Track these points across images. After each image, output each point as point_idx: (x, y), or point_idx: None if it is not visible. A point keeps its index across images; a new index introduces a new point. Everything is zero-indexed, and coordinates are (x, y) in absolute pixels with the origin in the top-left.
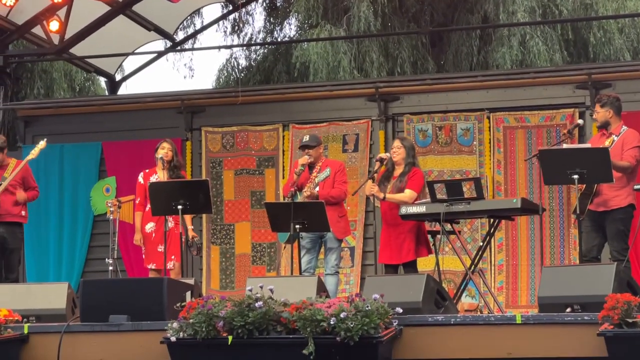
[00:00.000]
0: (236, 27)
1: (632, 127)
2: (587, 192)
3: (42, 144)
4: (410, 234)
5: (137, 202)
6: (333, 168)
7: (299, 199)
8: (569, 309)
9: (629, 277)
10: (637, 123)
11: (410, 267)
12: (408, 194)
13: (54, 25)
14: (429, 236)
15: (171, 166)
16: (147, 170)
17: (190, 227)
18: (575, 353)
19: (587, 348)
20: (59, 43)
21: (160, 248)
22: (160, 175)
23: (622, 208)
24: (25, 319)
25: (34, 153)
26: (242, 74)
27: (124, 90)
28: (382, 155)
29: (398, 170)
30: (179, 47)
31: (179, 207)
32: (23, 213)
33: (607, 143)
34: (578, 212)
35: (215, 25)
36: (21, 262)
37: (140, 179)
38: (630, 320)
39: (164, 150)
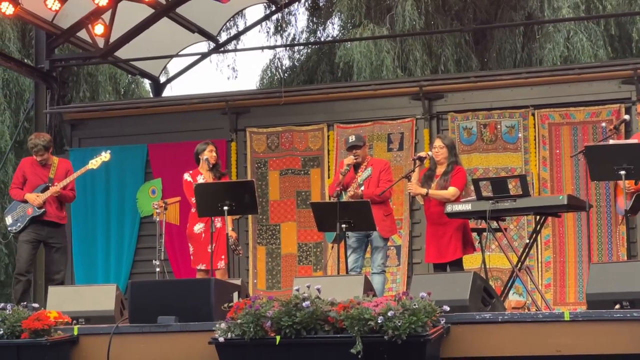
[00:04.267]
0: (279, 28)
1: None
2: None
3: (105, 155)
4: (456, 232)
5: (194, 200)
6: (377, 167)
7: (344, 198)
8: (617, 306)
9: None
10: None
11: (457, 265)
12: (451, 191)
13: (99, 29)
14: (475, 234)
15: (215, 167)
16: (191, 172)
17: (230, 227)
18: (625, 350)
19: (636, 344)
20: (104, 46)
21: (210, 248)
22: (205, 176)
23: None
24: (74, 321)
25: (94, 164)
26: (285, 75)
27: (168, 92)
28: (421, 154)
29: (441, 169)
30: (222, 49)
31: (225, 208)
32: (64, 214)
33: None
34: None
35: (258, 26)
36: (67, 264)
37: (189, 178)
38: None
39: (211, 153)
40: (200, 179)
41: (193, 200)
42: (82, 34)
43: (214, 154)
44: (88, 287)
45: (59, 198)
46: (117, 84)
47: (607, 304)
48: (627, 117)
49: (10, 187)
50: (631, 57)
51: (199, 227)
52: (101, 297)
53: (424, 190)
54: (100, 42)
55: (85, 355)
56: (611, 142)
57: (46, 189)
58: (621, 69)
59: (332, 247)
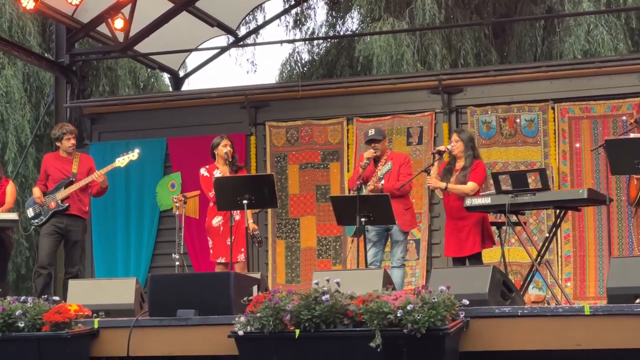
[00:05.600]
0: (298, 22)
1: None
2: None
3: (133, 154)
4: (475, 226)
5: (211, 195)
6: (397, 161)
7: (364, 192)
8: (638, 300)
9: None
10: None
11: (476, 259)
12: (470, 186)
13: (118, 23)
14: (494, 228)
15: (232, 161)
16: (207, 166)
17: (250, 220)
18: None
19: None
20: (124, 40)
21: (229, 241)
22: (222, 170)
23: None
24: (94, 314)
25: (122, 162)
26: (305, 68)
27: (187, 86)
28: (440, 147)
29: (460, 164)
30: (241, 43)
31: (245, 201)
32: (87, 208)
33: None
34: (635, 202)
35: (277, 20)
36: (84, 257)
37: (206, 173)
38: None
39: (225, 148)
40: (217, 174)
41: (210, 194)
42: (102, 28)
43: (229, 148)
44: (108, 280)
45: (97, 194)
46: (136, 78)
47: (628, 298)
48: None
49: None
50: None
51: (217, 221)
52: (121, 290)
53: (443, 184)
54: (120, 36)
55: (106, 348)
56: (632, 135)
57: (70, 183)
58: None
59: (352, 240)
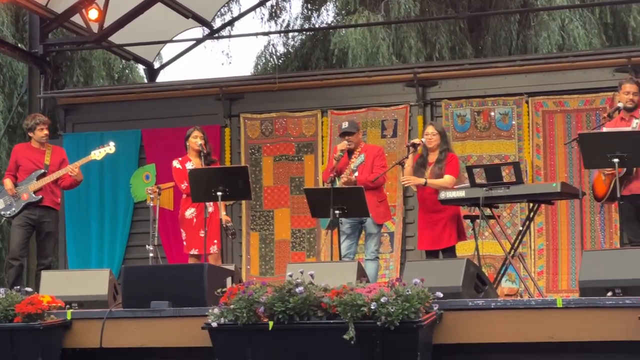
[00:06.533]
0: (273, 14)
1: None
2: (621, 177)
3: (110, 147)
4: (450, 219)
5: (183, 187)
6: (371, 153)
7: (338, 184)
8: (610, 293)
9: None
10: None
11: (450, 252)
12: (448, 179)
13: (93, 14)
14: (468, 221)
15: (205, 153)
16: (180, 158)
17: (223, 212)
18: (617, 337)
19: (628, 332)
20: (98, 31)
21: (202, 233)
22: (195, 162)
23: None
24: (67, 305)
25: (98, 155)
26: (280, 61)
27: (162, 77)
28: (415, 140)
29: (433, 157)
30: (216, 35)
31: (219, 193)
32: (59, 200)
33: (634, 125)
34: (604, 198)
35: (253, 12)
36: (57, 249)
37: (179, 165)
38: None
39: (196, 139)
40: (190, 166)
41: (182, 186)
42: (76, 18)
43: (201, 140)
44: (81, 271)
45: (68, 187)
46: (111, 69)
47: (600, 291)
48: (620, 104)
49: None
50: (625, 46)
51: (190, 212)
52: (94, 281)
53: (422, 180)
54: (94, 27)
55: (79, 340)
56: (604, 129)
57: (43, 175)
58: (615, 57)
59: (327, 233)
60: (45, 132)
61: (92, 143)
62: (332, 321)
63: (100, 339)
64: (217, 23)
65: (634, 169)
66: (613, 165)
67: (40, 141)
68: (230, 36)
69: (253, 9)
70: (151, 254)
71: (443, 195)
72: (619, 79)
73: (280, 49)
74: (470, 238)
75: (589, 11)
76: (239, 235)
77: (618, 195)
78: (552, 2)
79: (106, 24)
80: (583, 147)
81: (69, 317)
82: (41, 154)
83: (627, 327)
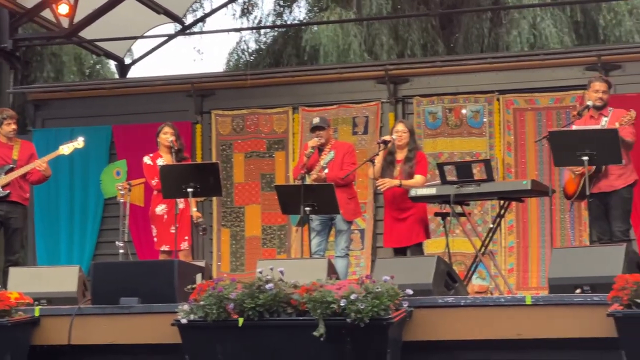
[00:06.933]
0: (245, 10)
1: None
2: (591, 174)
3: (79, 142)
4: (417, 216)
5: (154, 183)
6: (341, 150)
7: (308, 181)
8: (578, 290)
9: (638, 258)
10: None
11: (418, 249)
12: (421, 179)
13: (63, 9)
14: (439, 218)
15: (176, 150)
16: (151, 155)
17: (194, 208)
18: (585, 334)
19: (596, 329)
20: (69, 26)
21: (173, 229)
22: (166, 159)
23: (628, 186)
24: (36, 302)
25: (66, 150)
26: (252, 57)
27: (133, 73)
28: (385, 137)
29: (402, 154)
30: (188, 31)
31: (190, 190)
32: (27, 195)
33: (603, 124)
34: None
35: (225, 9)
36: (25, 245)
37: (149, 161)
38: (639, 301)
39: (166, 136)
40: (161, 162)
41: (153, 182)
42: (47, 13)
43: (171, 136)
44: (50, 268)
45: (37, 182)
46: (81, 64)
47: (569, 289)
48: (590, 103)
49: None
50: (596, 44)
51: (160, 209)
52: (63, 278)
53: (397, 182)
54: (65, 22)
55: (47, 337)
56: (574, 127)
57: (10, 170)
58: (585, 55)
59: (297, 230)
60: (13, 126)
61: (62, 139)
62: (302, 318)
63: (69, 335)
64: (189, 19)
65: (603, 167)
66: (582, 163)
67: (8, 136)
68: (202, 32)
69: (225, 5)
70: (121, 251)
71: (414, 192)
72: (588, 77)
73: (252, 46)
74: (440, 235)
75: (560, 9)
76: (209, 231)
77: (587, 193)
78: (523, 0)
79: (77, 19)
80: (553, 145)
81: (37, 313)
82: (9, 149)
83: (595, 324)
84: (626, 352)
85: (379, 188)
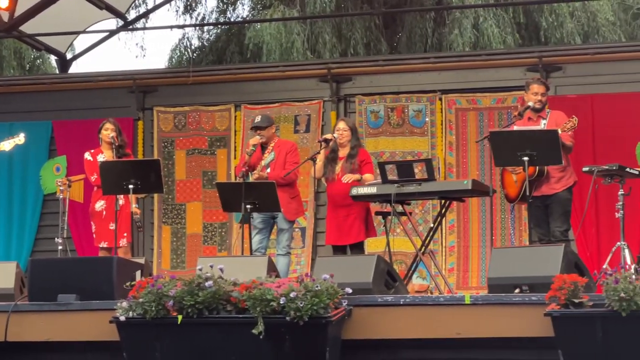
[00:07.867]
0: (188, 7)
1: (582, 109)
2: (533, 179)
3: (20, 138)
4: (360, 215)
5: (93, 179)
6: (283, 149)
7: (251, 179)
8: (517, 290)
9: (576, 258)
10: (585, 105)
11: (358, 248)
12: (370, 177)
13: (3, 2)
14: (380, 217)
15: (117, 146)
16: (92, 151)
17: (134, 205)
18: (523, 333)
19: (534, 328)
20: (9, 20)
21: (112, 226)
22: (107, 155)
23: (568, 188)
24: None
25: (7, 146)
26: (194, 54)
27: (74, 69)
28: (327, 136)
29: (344, 152)
30: (131, 27)
31: (130, 186)
32: None
33: (542, 126)
34: (517, 199)
35: (168, 5)
36: None
37: (90, 157)
38: (576, 301)
39: (107, 132)
40: (102, 158)
41: (92, 178)
42: None
43: (112, 132)
44: None
45: None
46: (22, 59)
47: (508, 288)
48: (531, 103)
49: None
50: (537, 45)
51: (100, 205)
52: (0, 274)
53: (358, 176)
54: (5, 16)
55: None
56: (515, 128)
57: None
58: (527, 56)
59: (240, 227)
60: None
61: (1, 134)
62: (241, 316)
63: (5, 332)
64: (132, 15)
65: (546, 171)
66: (523, 164)
67: None
68: (144, 28)
69: (168, 1)
70: (60, 247)
71: (355, 191)
72: (526, 79)
73: (195, 43)
74: (381, 234)
75: (503, 10)
76: (150, 228)
77: (528, 194)
78: (466, 1)
79: (17, 13)
80: (494, 145)
81: None
82: None
83: (533, 324)
84: (563, 352)
85: (345, 181)
